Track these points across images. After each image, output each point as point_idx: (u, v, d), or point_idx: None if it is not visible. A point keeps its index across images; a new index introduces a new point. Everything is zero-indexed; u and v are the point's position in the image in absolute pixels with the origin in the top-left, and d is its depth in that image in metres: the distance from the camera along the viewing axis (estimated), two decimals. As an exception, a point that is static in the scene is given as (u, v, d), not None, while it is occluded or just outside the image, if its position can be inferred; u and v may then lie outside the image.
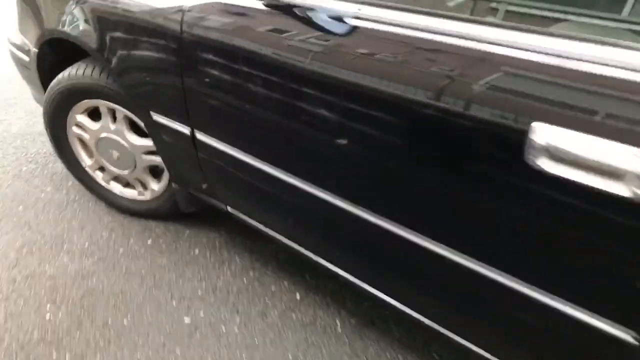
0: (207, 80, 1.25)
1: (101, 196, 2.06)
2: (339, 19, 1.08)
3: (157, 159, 1.77)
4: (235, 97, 1.23)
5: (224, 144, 1.34)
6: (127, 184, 2.00)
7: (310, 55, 1.06)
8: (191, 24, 1.23)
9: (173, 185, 1.72)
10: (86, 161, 1.98)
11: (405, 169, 1.01)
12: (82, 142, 1.95)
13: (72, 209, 2.09)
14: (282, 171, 1.26)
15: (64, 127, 1.89)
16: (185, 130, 1.42)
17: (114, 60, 1.50)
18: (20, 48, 2.00)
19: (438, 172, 0.96)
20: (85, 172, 2.01)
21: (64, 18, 1.65)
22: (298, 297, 1.68)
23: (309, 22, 1.09)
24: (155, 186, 1.88)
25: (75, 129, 1.88)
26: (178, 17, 1.26)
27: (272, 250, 1.87)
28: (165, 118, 1.46)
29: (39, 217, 2.04)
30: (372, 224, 1.14)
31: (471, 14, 1.32)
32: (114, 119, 1.77)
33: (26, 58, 1.96)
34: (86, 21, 1.55)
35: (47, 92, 1.82)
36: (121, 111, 1.71)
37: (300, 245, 1.46)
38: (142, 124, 1.68)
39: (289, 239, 1.50)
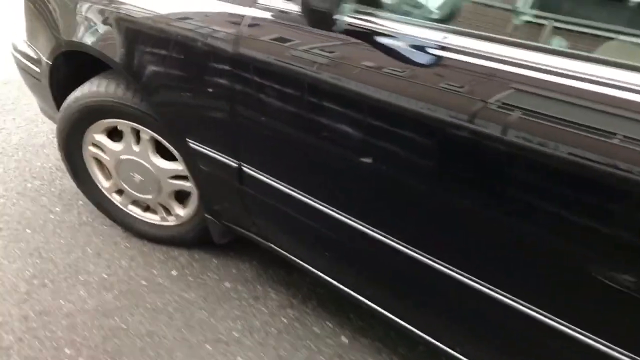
0: (266, 110, 1.10)
1: (118, 220, 1.89)
2: (421, 48, 0.93)
3: (185, 184, 1.61)
4: (297, 131, 1.08)
5: (280, 182, 1.19)
6: (147, 208, 1.83)
7: (391, 89, 0.91)
8: (250, 43, 1.07)
9: (207, 216, 1.56)
10: (103, 183, 1.81)
11: (487, 221, 0.91)
12: (99, 162, 1.77)
13: (85, 232, 1.91)
14: (347, 215, 1.12)
15: (79, 147, 1.72)
16: (231, 163, 1.26)
17: (145, 79, 1.34)
18: (28, 58, 1.81)
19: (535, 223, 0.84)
20: (101, 194, 1.84)
21: (84, 29, 1.47)
22: (345, 340, 1.53)
23: (389, 52, 0.95)
24: (181, 212, 1.72)
25: (92, 149, 1.71)
26: (233, 32, 1.09)
27: (310, 284, 1.72)
28: (206, 147, 1.30)
29: (50, 242, 1.86)
30: (437, 271, 1.02)
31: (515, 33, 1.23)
32: (138, 139, 1.60)
33: (36, 69, 1.78)
34: (112, 33, 1.38)
35: (62, 108, 1.64)
36: (147, 132, 1.54)
37: (354, 290, 1.33)
38: (171, 148, 1.52)
39: (338, 281, 1.36)
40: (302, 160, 1.12)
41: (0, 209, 2.01)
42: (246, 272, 1.76)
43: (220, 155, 1.27)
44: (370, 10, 0.97)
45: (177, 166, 1.58)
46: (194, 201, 1.66)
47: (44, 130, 2.57)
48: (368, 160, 0.98)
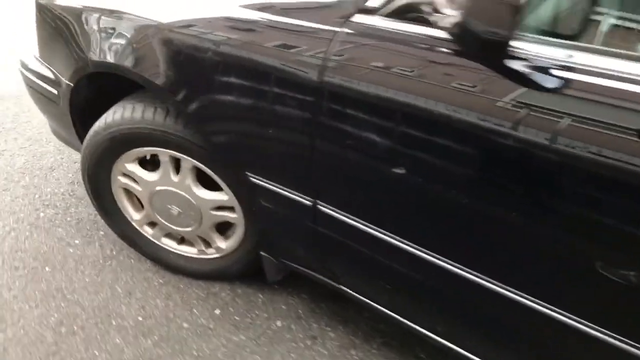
0: (357, 146, 0.94)
1: (149, 254, 1.72)
2: (543, 69, 0.79)
3: (230, 216, 1.46)
4: (394, 170, 0.93)
5: (365, 223, 1.04)
6: (182, 240, 1.66)
7: (503, 119, 0.78)
8: (342, 69, 0.91)
9: (263, 253, 1.40)
10: (133, 215, 1.64)
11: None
12: (128, 193, 1.60)
13: (111, 268, 1.74)
14: (439, 257, 0.99)
15: (107, 177, 1.55)
16: (304, 201, 1.11)
17: (196, 105, 1.18)
18: (43, 78, 1.63)
19: None
20: (131, 227, 1.67)
21: (117, 48, 1.30)
22: (420, 384, 1.40)
23: (506, 73, 0.80)
24: (223, 244, 1.56)
25: (122, 179, 1.54)
26: (318, 56, 0.94)
27: (369, 319, 1.57)
28: (272, 183, 1.15)
29: (73, 281, 1.68)
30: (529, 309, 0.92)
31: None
32: (176, 168, 1.44)
33: (53, 91, 1.59)
34: (155, 54, 1.22)
35: (89, 136, 1.47)
36: (189, 161, 1.38)
37: (429, 329, 1.20)
38: (216, 178, 1.36)
39: (413, 321, 1.22)
40: (398, 202, 0.98)
41: (13, 243, 1.83)
42: (297, 307, 1.61)
43: (290, 192, 1.12)
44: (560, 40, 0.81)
45: (222, 197, 1.42)
46: (238, 233, 1.50)
47: (50, 151, 2.37)
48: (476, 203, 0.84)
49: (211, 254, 1.61)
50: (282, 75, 0.99)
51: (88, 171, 1.54)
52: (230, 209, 1.44)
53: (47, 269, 1.73)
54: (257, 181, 1.17)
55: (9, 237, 1.85)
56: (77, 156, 2.29)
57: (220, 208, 1.46)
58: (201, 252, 1.62)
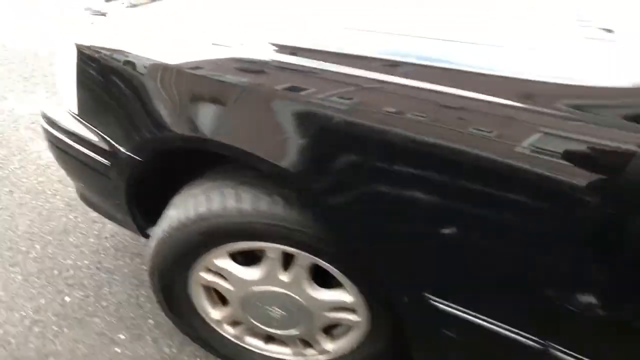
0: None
1: (225, 355, 1.39)
2: None
3: (349, 318, 1.16)
4: None
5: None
6: (269, 338, 1.34)
7: None
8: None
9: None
10: (210, 314, 1.30)
11: None
12: (207, 289, 1.26)
13: (175, 372, 1.39)
14: None
15: (186, 272, 1.21)
16: (528, 341, 0.82)
17: (342, 198, 0.89)
18: (84, 143, 1.26)
19: None
20: (205, 326, 1.33)
21: (222, 121, 0.98)
22: None
23: None
24: (329, 346, 1.26)
25: (205, 276, 1.20)
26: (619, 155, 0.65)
27: None
28: (474, 314, 0.85)
29: (130, 395, 1.33)
30: None
31: None
32: (284, 265, 1.13)
33: (102, 161, 1.23)
34: (284, 129, 0.90)
35: (169, 228, 1.12)
36: (307, 258, 1.07)
37: None
38: (342, 277, 1.07)
39: None
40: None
41: (40, 344, 1.45)
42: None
43: (506, 330, 0.83)
44: None
45: (345, 297, 1.12)
46: (355, 335, 1.21)
47: (59, 207, 1.96)
48: None
49: (311, 355, 1.31)
50: (527, 176, 0.70)
51: (161, 267, 1.19)
52: (351, 310, 1.15)
53: (92, 379, 1.37)
54: (446, 307, 0.87)
55: (32, 334, 1.47)
56: (94, 214, 1.90)
57: (337, 309, 1.16)
58: (298, 353, 1.31)
